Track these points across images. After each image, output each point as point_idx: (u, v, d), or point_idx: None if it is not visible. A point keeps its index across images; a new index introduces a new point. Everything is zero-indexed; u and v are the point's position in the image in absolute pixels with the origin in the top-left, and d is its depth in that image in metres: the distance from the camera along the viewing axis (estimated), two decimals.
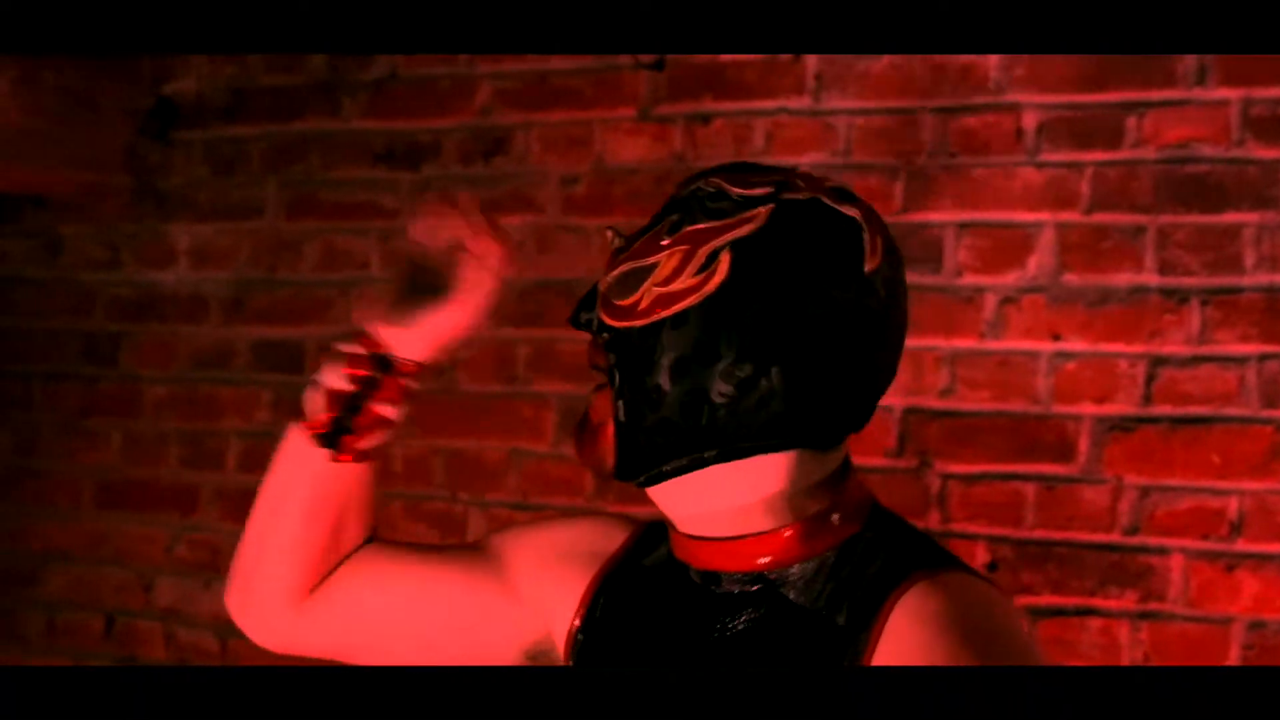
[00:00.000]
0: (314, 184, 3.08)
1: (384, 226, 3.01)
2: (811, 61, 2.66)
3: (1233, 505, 2.41)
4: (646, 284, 1.28)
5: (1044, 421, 2.52)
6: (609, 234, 1.36)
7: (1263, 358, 2.40)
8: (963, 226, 2.57)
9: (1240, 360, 2.41)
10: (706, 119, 2.74)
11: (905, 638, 1.21)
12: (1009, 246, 2.54)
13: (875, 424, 2.56)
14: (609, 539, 1.48)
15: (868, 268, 1.26)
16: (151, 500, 3.24)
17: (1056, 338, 2.51)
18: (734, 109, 2.71)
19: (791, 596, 1.29)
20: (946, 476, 2.56)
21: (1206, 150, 2.43)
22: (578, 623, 1.43)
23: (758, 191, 1.28)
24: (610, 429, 1.30)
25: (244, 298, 3.16)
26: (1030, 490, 2.52)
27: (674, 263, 1.27)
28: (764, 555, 1.30)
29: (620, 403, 1.29)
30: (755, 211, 1.27)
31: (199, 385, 3.21)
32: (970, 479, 2.55)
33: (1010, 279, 2.54)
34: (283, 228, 3.12)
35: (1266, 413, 2.40)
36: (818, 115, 2.65)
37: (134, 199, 3.26)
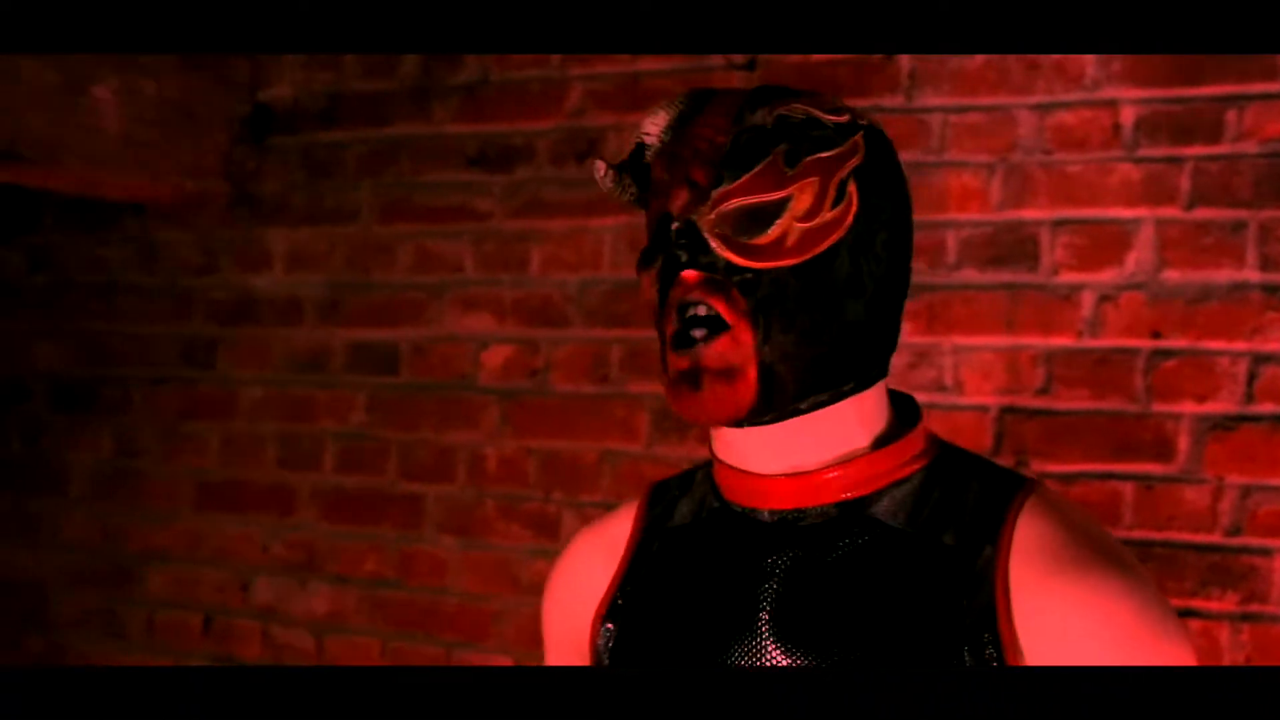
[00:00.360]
0: (407, 187, 3.12)
1: (476, 229, 3.03)
2: (905, 60, 2.66)
3: None
4: (784, 220, 1.25)
5: (1143, 420, 2.49)
6: (599, 165, 1.33)
7: None
8: (1059, 224, 2.54)
9: None
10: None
11: (1034, 544, 1.25)
12: (1107, 243, 2.51)
13: (972, 423, 2.55)
14: (611, 538, 1.46)
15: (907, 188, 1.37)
16: (249, 500, 3.28)
17: (1156, 335, 2.48)
18: None
19: (887, 521, 1.29)
20: (1044, 475, 2.53)
21: None
22: (595, 629, 1.40)
23: (845, 119, 1.30)
24: (752, 372, 1.25)
25: (338, 300, 3.20)
26: (1129, 490, 2.49)
27: (809, 197, 1.26)
28: (859, 482, 1.30)
29: (767, 346, 1.25)
30: (855, 140, 1.29)
31: (295, 387, 3.25)
32: (1068, 478, 2.52)
33: (1108, 276, 2.51)
34: (376, 231, 3.16)
35: None
36: (911, 113, 2.64)
37: (231, 205, 3.31)
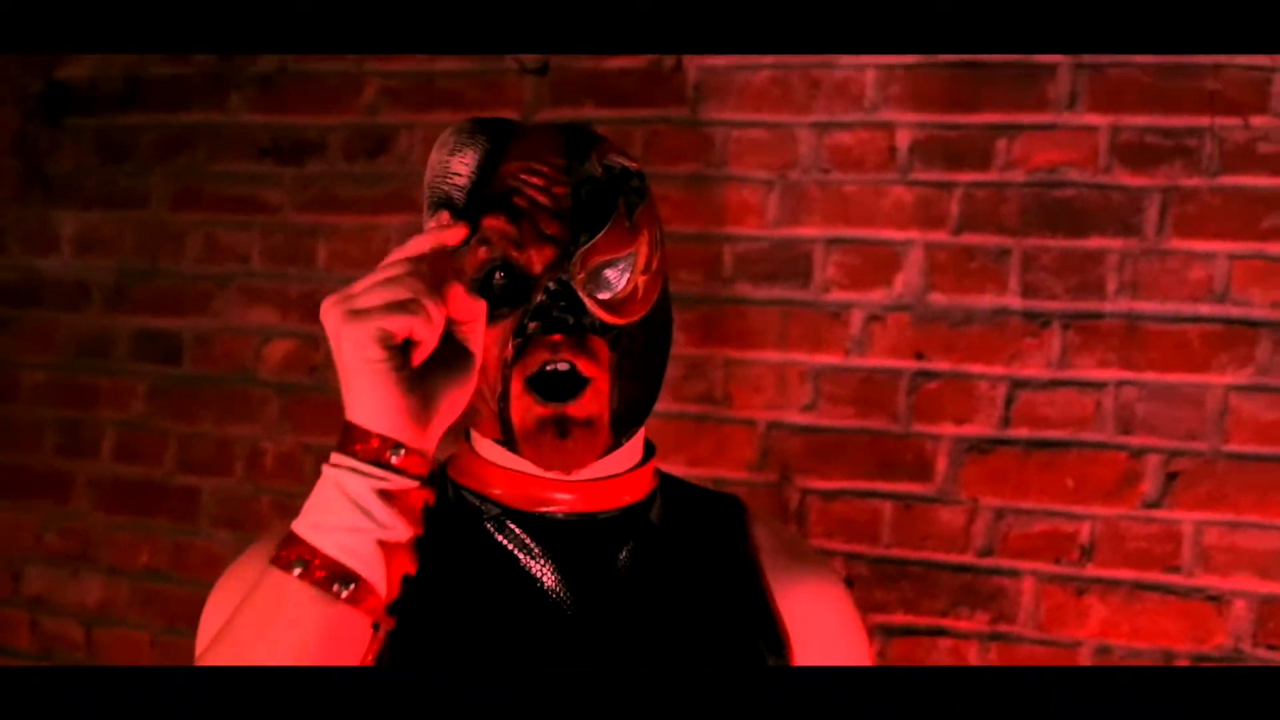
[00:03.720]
0: (199, 175, 3.06)
1: (266, 221, 2.99)
2: (691, 72, 2.67)
3: (1085, 530, 2.42)
4: (632, 273, 1.32)
5: (904, 440, 2.52)
6: (443, 216, 1.26)
7: (1120, 384, 2.41)
8: (832, 242, 2.57)
9: (1098, 385, 2.42)
10: (587, 125, 2.73)
11: (771, 545, 1.44)
12: (877, 264, 2.54)
13: (740, 436, 2.57)
14: None
15: None
16: (24, 487, 3.20)
17: (920, 356, 2.51)
18: (614, 116, 2.71)
19: (658, 524, 1.40)
20: (806, 491, 2.56)
21: (1074, 175, 2.45)
22: None
23: (637, 166, 1.40)
24: (607, 420, 1.31)
25: (125, 287, 3.13)
26: (888, 508, 2.52)
27: (645, 248, 1.33)
28: (640, 489, 1.40)
29: (617, 395, 1.31)
30: (649, 187, 1.39)
31: (77, 373, 3.17)
32: (829, 495, 2.55)
33: (877, 296, 2.54)
34: (167, 218, 3.10)
35: (1121, 439, 2.41)
36: (696, 126, 2.65)
37: (21, 184, 3.23)
